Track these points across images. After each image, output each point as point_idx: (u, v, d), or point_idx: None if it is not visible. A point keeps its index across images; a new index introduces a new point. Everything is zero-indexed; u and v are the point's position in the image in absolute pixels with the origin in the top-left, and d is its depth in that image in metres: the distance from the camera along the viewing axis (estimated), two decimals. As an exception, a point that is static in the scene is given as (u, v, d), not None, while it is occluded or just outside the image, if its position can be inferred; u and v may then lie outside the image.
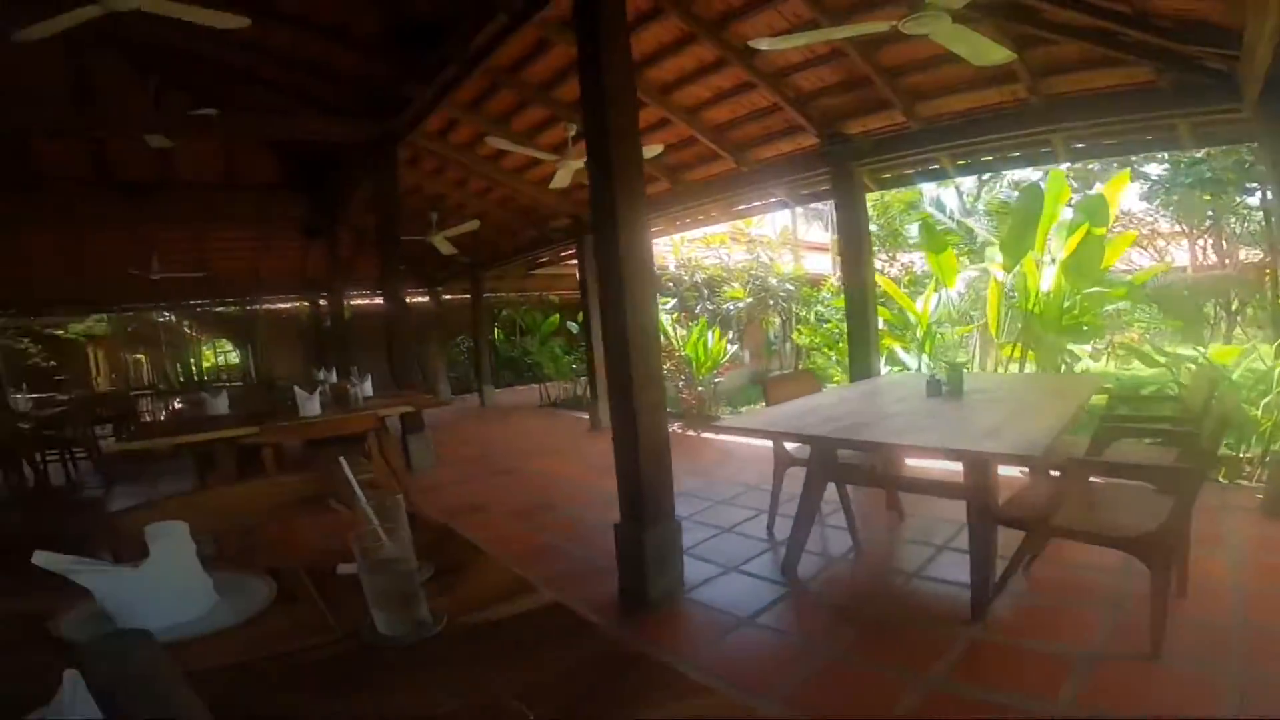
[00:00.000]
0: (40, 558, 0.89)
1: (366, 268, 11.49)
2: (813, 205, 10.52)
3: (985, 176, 10.89)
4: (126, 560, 1.08)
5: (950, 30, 2.78)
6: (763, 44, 3.28)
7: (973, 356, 7.03)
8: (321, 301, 11.66)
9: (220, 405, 4.16)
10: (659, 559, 2.75)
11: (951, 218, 10.14)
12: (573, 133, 5.26)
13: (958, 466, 2.44)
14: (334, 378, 5.73)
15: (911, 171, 5.49)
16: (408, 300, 7.42)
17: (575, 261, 10.22)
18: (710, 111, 5.22)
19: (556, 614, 0.97)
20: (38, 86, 6.38)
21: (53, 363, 13.76)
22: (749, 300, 10.06)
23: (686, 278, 10.31)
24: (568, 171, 5.29)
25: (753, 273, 10.40)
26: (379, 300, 12.76)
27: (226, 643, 0.89)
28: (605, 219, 2.69)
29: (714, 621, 2.62)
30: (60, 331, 13.73)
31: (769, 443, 3.54)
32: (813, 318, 10.36)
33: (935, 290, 6.48)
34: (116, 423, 8.12)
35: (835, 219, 13.39)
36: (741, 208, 7.08)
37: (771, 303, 10.41)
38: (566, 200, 7.24)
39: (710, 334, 7.81)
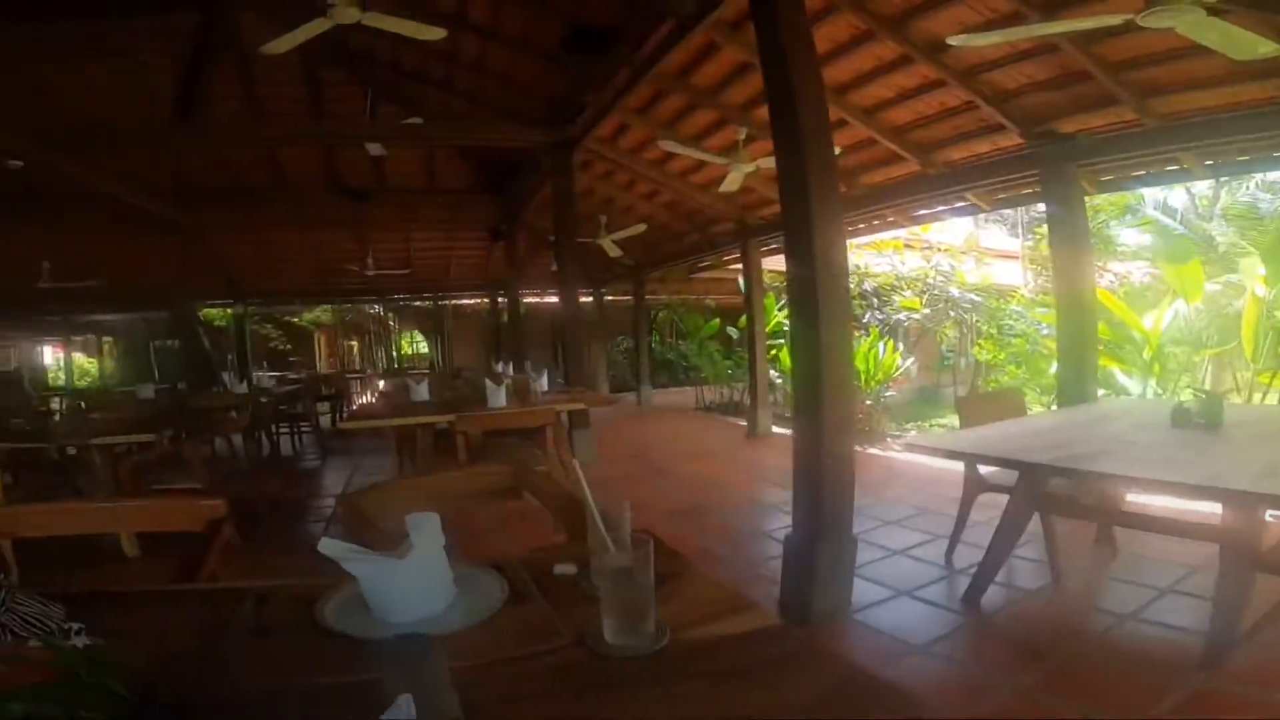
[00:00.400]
0: (324, 545, 0.96)
1: (538, 268, 12.29)
2: (998, 210, 9.53)
3: (1223, 178, 9.16)
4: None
5: (1202, 23, 2.37)
6: (956, 40, 3.01)
7: (1203, 381, 5.94)
8: (500, 299, 12.59)
9: (421, 392, 4.56)
10: (829, 575, 2.64)
11: (1182, 223, 8.66)
12: (743, 136, 5.21)
13: (1202, 505, 2.21)
14: (510, 370, 6.13)
15: (1143, 173, 4.76)
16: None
17: (737, 265, 10.19)
18: (891, 112, 4.92)
19: (783, 635, 0.92)
20: (284, 105, 7.61)
21: (288, 346, 16.42)
22: (925, 311, 9.32)
23: (854, 285, 9.80)
24: (739, 175, 5.23)
25: (929, 281, 9.63)
26: (547, 299, 13.71)
27: (465, 642, 0.90)
28: (798, 223, 2.58)
29: (882, 646, 2.49)
30: (294, 319, 16.28)
31: (949, 465, 3.35)
32: (997, 331, 9.38)
33: (1170, 304, 5.54)
34: (333, 401, 9.39)
35: (1026, 224, 12.04)
36: (923, 213, 6.57)
37: (952, 314, 9.56)
38: (732, 204, 7.20)
39: (882, 345, 7.32)
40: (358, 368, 15.72)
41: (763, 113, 5.31)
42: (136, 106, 7.06)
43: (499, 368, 6.40)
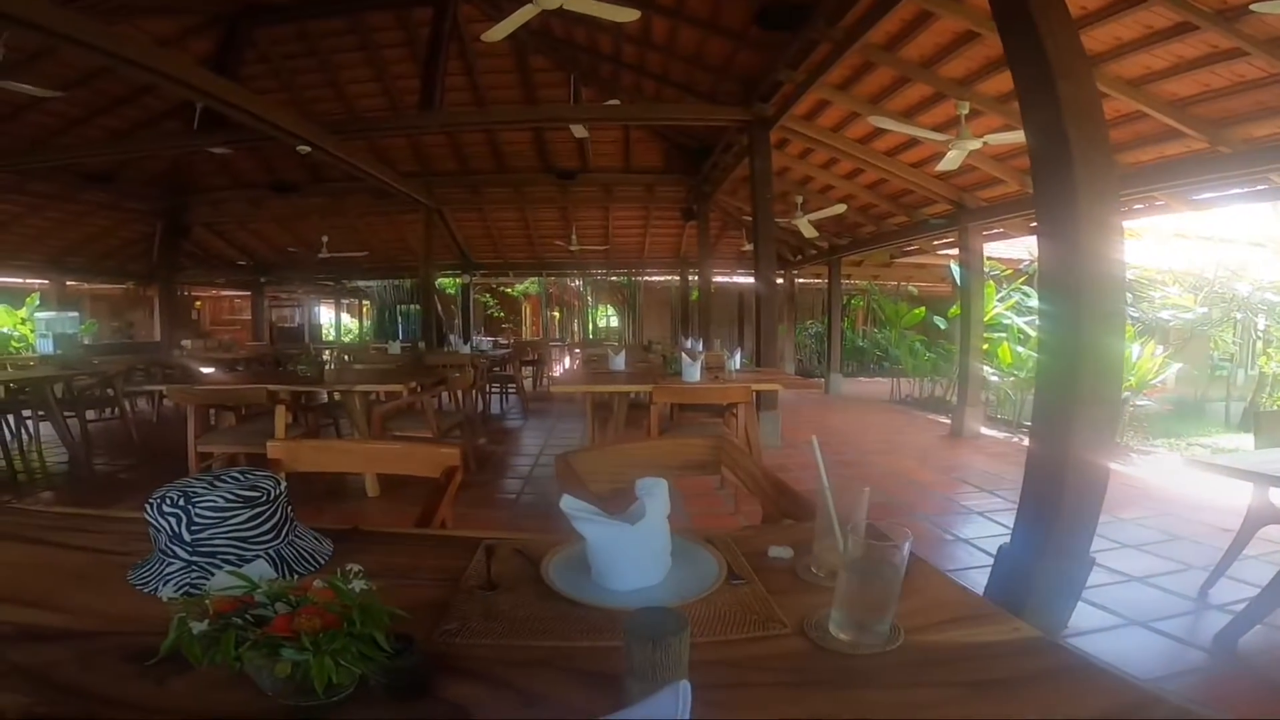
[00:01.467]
0: (565, 502, 0.98)
1: (727, 247, 12.29)
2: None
3: None
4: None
5: None
6: (1262, 8, 2.51)
7: None
8: (692, 276, 12.79)
9: (619, 362, 4.78)
10: (1048, 595, 2.36)
11: None
12: (965, 111, 4.74)
13: None
14: (700, 347, 6.18)
15: None
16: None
17: (947, 251, 9.28)
18: (1164, 84, 4.16)
19: (1042, 651, 0.80)
20: (501, 93, 8.37)
21: (501, 313, 18.30)
22: (1199, 310, 7.68)
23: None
24: (960, 153, 4.79)
25: (1206, 276, 7.90)
26: (734, 278, 13.65)
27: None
28: (1057, 211, 2.26)
29: (1101, 674, 2.17)
30: (508, 289, 18.05)
31: (1214, 489, 3.19)
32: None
33: None
34: (535, 366, 10.25)
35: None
36: (1208, 196, 5.43)
37: (1238, 316, 7.77)
38: (948, 184, 6.59)
39: (1137, 347, 6.21)
40: (557, 336, 17.01)
41: (988, 86, 4.89)
42: (388, 97, 8.24)
43: (688, 343, 6.48)
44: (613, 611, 0.88)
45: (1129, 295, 8.02)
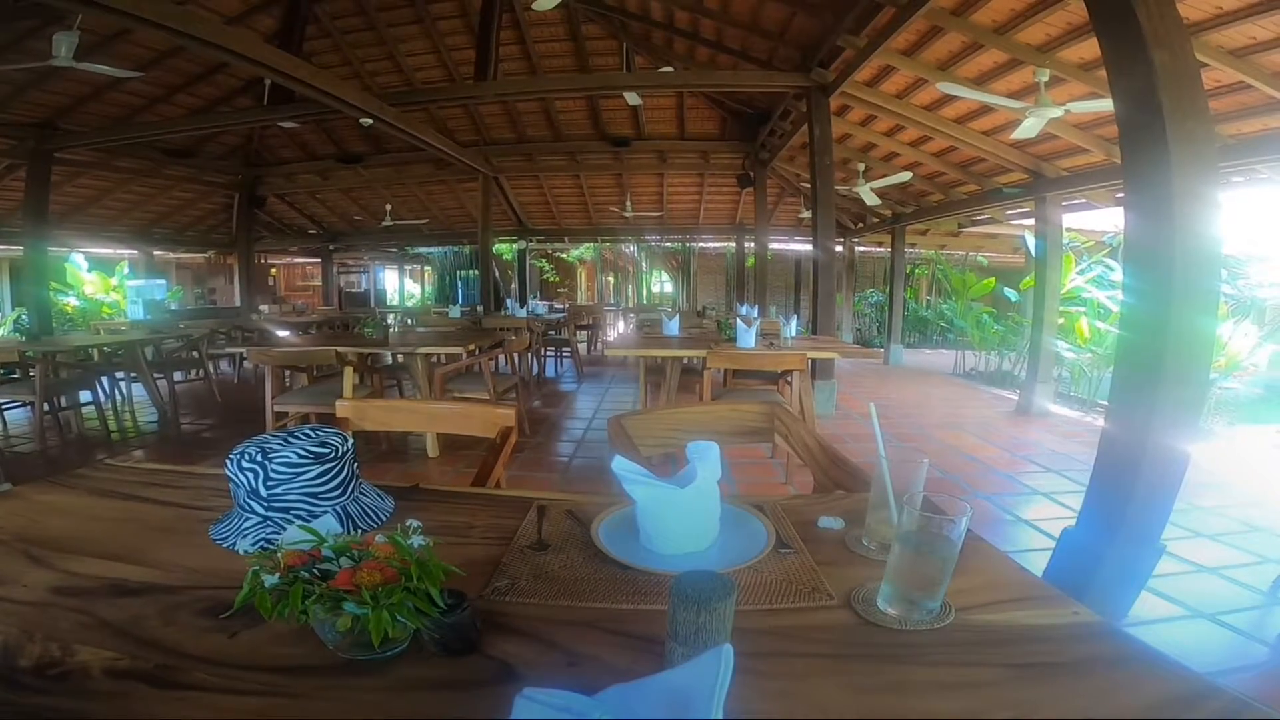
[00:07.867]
0: (616, 464, 0.98)
1: (785, 214, 11.99)
2: None
3: None
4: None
5: None
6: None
7: None
8: (748, 243, 12.57)
9: (672, 327, 4.80)
10: (1111, 582, 2.28)
11: None
12: (1045, 79, 4.47)
13: None
14: (756, 313, 6.11)
15: None
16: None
17: (1020, 221, 8.79)
18: (1270, 55, 3.87)
19: (1100, 636, 0.78)
20: (555, 62, 8.33)
21: (557, 279, 18.51)
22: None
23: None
24: (1038, 121, 4.55)
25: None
26: (791, 245, 13.32)
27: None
28: (1147, 182, 2.13)
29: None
30: (563, 255, 18.20)
31: None
32: None
33: None
34: (590, 330, 10.35)
35: None
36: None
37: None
38: (1022, 153, 6.24)
39: (1232, 326, 5.78)
40: (612, 302, 17.11)
41: (1070, 53, 4.63)
42: (444, 69, 8.35)
43: (743, 310, 6.40)
44: (660, 576, 0.89)
45: (1224, 271, 7.41)
